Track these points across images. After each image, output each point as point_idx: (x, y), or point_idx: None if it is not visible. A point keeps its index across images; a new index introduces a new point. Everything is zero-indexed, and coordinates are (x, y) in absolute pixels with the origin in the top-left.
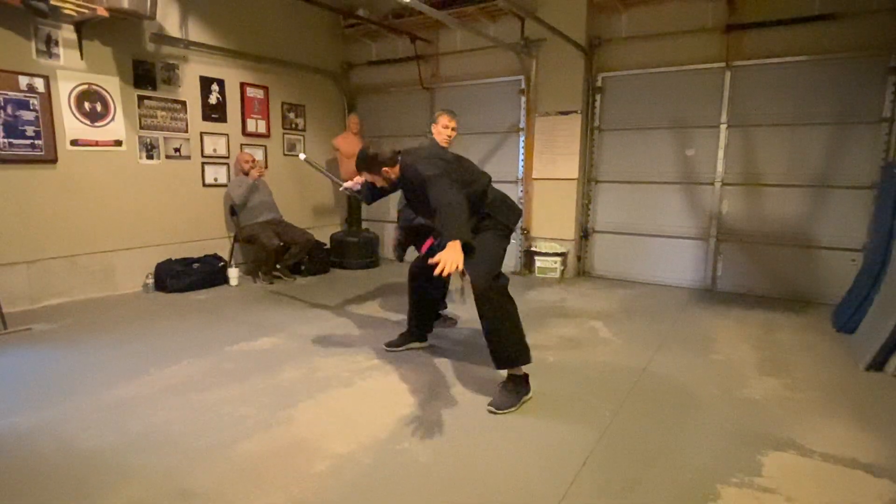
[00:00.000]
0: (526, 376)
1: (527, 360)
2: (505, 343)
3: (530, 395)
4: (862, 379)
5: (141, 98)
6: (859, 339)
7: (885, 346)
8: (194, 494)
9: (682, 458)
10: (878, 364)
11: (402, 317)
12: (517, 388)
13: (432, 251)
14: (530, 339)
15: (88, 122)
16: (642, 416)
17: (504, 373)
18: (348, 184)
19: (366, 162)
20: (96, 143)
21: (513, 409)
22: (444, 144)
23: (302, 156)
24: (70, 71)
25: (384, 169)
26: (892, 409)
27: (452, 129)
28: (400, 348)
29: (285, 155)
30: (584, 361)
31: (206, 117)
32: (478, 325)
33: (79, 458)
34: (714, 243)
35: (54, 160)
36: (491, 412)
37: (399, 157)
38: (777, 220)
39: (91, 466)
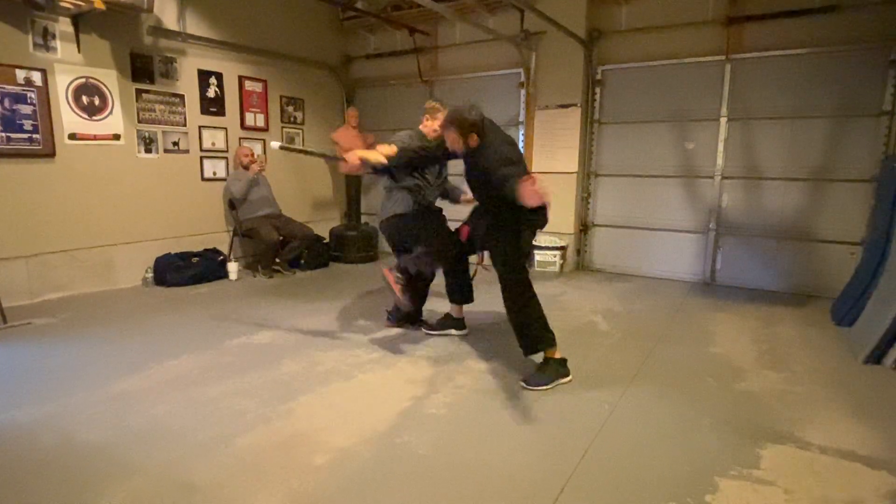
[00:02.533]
0: (563, 360)
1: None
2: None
3: (569, 378)
4: (860, 372)
5: (139, 92)
6: (858, 333)
7: (883, 339)
8: (195, 487)
9: (681, 451)
10: (876, 357)
11: None
12: (552, 369)
13: (471, 240)
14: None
15: (86, 116)
16: (641, 409)
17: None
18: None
19: (465, 125)
20: (94, 137)
21: (545, 387)
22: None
23: (275, 144)
24: (67, 64)
25: (471, 135)
26: (890, 402)
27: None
28: (435, 332)
29: (284, 149)
30: (583, 355)
31: (204, 111)
32: (477, 318)
33: (79, 452)
34: (713, 237)
35: (52, 154)
36: (522, 388)
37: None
38: (777, 214)
39: (92, 460)
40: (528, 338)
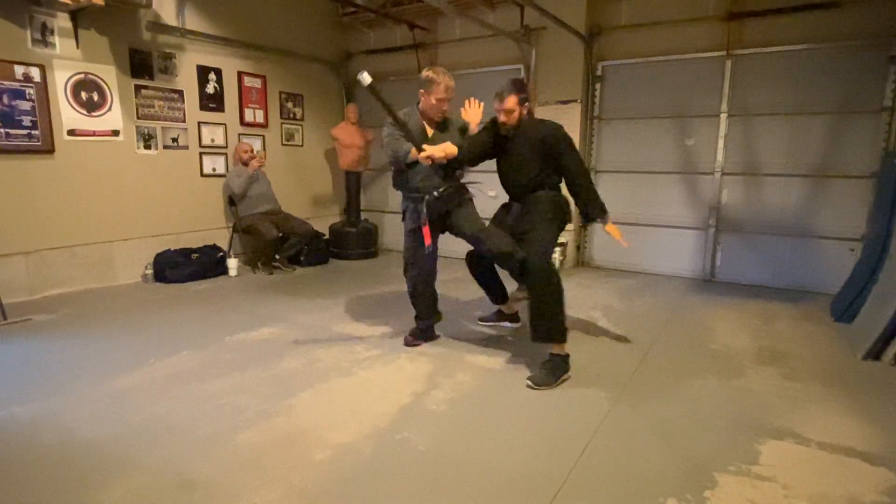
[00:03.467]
0: (567, 356)
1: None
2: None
3: (569, 374)
4: (859, 368)
5: (138, 87)
6: (857, 329)
7: (882, 335)
8: (195, 484)
9: (680, 447)
10: (875, 353)
11: (401, 306)
12: (558, 368)
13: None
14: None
15: (85, 112)
16: (640, 405)
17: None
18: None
19: (523, 91)
20: (93, 133)
21: (552, 386)
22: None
23: (365, 76)
24: (66, 60)
25: (525, 105)
26: (890, 398)
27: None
28: (488, 323)
29: (283, 145)
30: (583, 351)
31: (203, 107)
32: (473, 318)
33: (79, 449)
34: (713, 233)
35: (52, 150)
36: (529, 387)
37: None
38: (777, 210)
39: (92, 456)
40: (547, 327)
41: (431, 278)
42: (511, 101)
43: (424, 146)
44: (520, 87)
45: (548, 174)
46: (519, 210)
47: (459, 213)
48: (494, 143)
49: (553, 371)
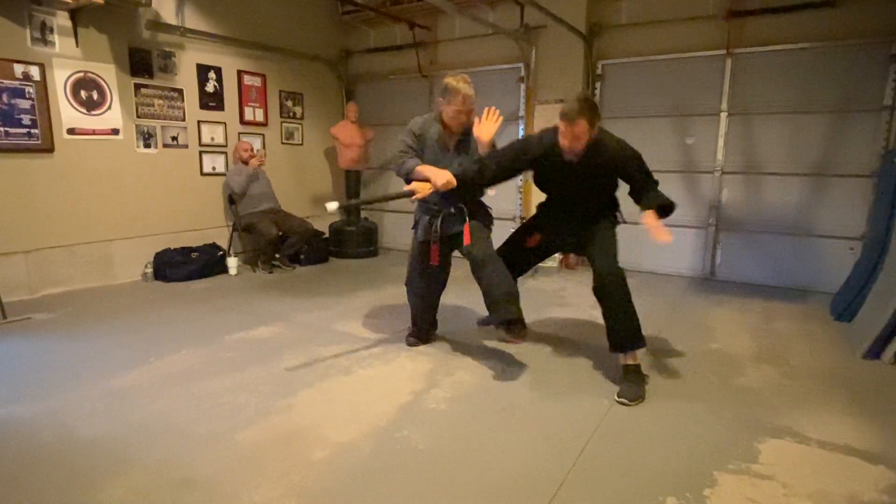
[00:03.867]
0: (639, 365)
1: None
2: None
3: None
4: (859, 367)
5: (137, 86)
6: (857, 328)
7: (882, 334)
8: (194, 482)
9: (679, 446)
10: (875, 352)
11: (401, 305)
12: (640, 378)
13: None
14: (530, 329)
15: (85, 111)
16: (640, 404)
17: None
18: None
19: (596, 113)
20: (93, 132)
21: (643, 398)
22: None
23: (332, 205)
24: (66, 59)
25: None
26: (889, 397)
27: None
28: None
29: (283, 143)
30: (583, 350)
31: (203, 105)
32: (476, 315)
33: (79, 447)
34: (713, 232)
35: (51, 149)
36: (624, 404)
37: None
38: (776, 209)
39: (91, 455)
40: (628, 331)
41: (436, 295)
42: (582, 127)
43: (415, 186)
44: (593, 108)
45: (613, 190)
46: (571, 220)
47: (472, 231)
48: (526, 166)
49: (638, 381)
